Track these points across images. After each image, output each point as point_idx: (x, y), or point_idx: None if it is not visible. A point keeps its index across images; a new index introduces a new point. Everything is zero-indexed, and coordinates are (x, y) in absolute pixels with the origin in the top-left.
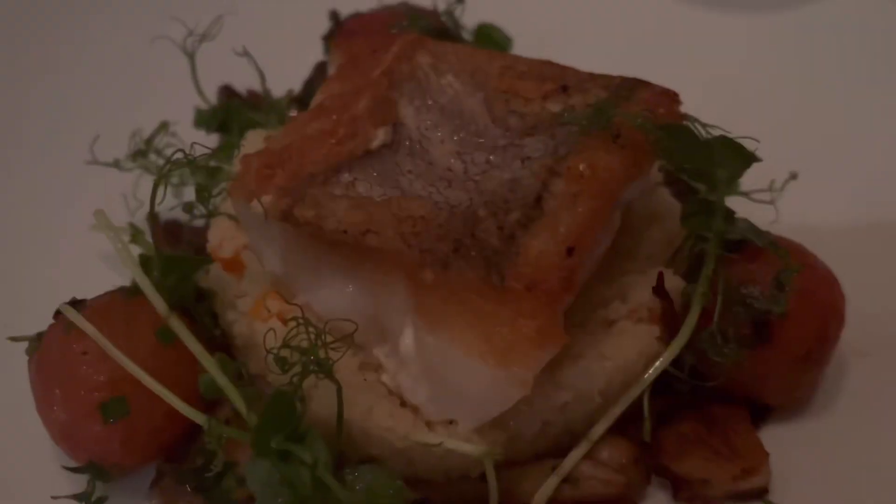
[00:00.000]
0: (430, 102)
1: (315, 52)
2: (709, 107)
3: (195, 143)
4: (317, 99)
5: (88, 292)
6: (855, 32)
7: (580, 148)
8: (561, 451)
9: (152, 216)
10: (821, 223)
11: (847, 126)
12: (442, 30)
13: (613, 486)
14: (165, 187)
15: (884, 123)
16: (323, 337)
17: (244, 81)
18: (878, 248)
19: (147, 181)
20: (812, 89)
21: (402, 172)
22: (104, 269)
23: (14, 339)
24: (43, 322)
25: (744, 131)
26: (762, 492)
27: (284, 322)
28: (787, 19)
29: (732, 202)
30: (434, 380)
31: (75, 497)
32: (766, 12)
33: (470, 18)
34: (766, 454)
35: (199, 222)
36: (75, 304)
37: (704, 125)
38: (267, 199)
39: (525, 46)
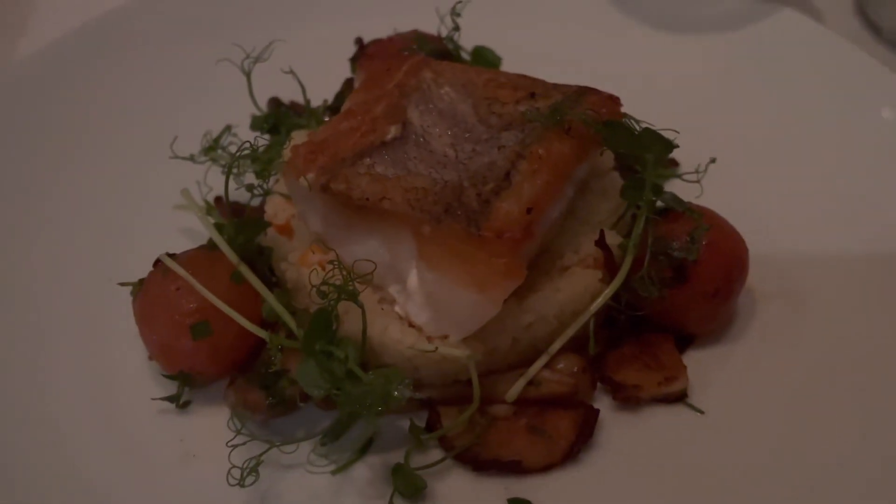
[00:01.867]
0: (431, 107)
1: (344, 71)
2: (655, 110)
3: (258, 136)
4: (346, 105)
5: None
6: (777, 50)
7: (540, 138)
8: (528, 363)
9: (226, 194)
10: (739, 196)
11: (762, 122)
12: (444, 52)
13: (566, 387)
14: (238, 168)
15: (790, 119)
16: (351, 275)
17: (288, 94)
18: (783, 217)
19: (215, 172)
20: (737, 95)
21: (409, 158)
22: (182, 239)
23: (122, 284)
24: (137, 276)
25: (681, 128)
26: (681, 395)
27: (323, 267)
28: (726, 40)
29: (673, 183)
30: (432, 304)
31: (168, 399)
32: (710, 34)
33: (470, 42)
34: (685, 367)
35: (255, 202)
36: (169, 255)
37: (638, 121)
38: (311, 176)
39: (512, 63)
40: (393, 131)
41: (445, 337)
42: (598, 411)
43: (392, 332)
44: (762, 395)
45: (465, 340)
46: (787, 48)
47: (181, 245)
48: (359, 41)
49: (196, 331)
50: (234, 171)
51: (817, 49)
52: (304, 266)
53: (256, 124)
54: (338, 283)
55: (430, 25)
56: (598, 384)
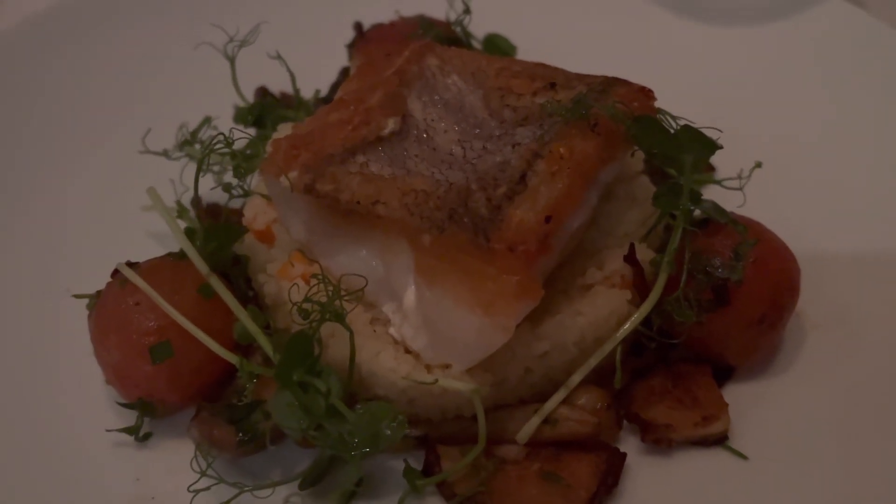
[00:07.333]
0: (436, 98)
1: (341, 59)
2: (693, 106)
3: (234, 127)
4: (338, 95)
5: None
6: (826, 43)
7: (562, 135)
8: (543, 398)
9: (196, 193)
10: (787, 207)
11: (815, 123)
12: (453, 38)
13: (587, 427)
14: (207, 168)
15: (847, 120)
16: (338, 291)
17: (279, 84)
18: (839, 232)
19: (191, 168)
20: (782, 90)
21: (410, 156)
22: (153, 245)
23: (77, 296)
24: (98, 286)
25: (719, 125)
26: (721, 438)
27: (307, 281)
28: (768, 31)
29: (711, 190)
30: (431, 328)
31: (125, 430)
32: (751, 25)
33: (481, 30)
34: (726, 405)
35: (236, 203)
36: (130, 265)
37: (675, 118)
38: (293, 174)
39: (529, 54)
40: (390, 125)
41: (447, 366)
42: (624, 455)
43: (384, 359)
44: (813, 437)
45: (470, 371)
46: (834, 40)
47: (150, 252)
48: (358, 26)
49: (155, 353)
50: (216, 168)
51: (867, 41)
52: (285, 279)
53: (240, 116)
54: (322, 300)
55: (438, 10)
56: (625, 423)
